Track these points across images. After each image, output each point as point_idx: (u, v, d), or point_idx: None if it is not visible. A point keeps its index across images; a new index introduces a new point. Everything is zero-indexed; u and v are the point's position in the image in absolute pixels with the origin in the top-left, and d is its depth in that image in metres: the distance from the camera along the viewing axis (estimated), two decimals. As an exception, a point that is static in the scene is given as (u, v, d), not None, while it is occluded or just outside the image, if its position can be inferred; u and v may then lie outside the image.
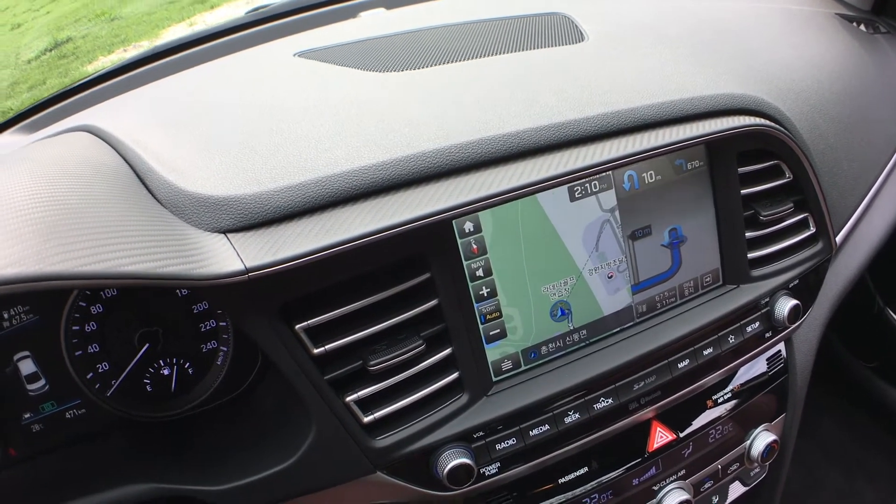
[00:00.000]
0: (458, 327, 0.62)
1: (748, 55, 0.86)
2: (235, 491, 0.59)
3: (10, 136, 0.97)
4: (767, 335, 0.77)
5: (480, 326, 0.64)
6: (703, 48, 0.85)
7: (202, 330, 0.68)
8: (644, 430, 0.74)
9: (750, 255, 0.75)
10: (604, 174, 0.65)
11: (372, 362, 0.57)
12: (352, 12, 1.12)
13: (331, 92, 0.71)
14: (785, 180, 0.76)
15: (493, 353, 0.65)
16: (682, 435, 0.76)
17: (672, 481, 0.77)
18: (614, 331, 0.70)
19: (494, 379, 0.66)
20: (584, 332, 0.69)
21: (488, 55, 0.79)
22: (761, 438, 0.82)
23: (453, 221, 0.60)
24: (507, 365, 0.66)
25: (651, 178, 0.68)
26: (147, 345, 0.66)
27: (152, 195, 0.56)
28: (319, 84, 0.74)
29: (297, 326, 0.55)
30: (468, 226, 0.61)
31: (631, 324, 0.71)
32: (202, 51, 1.07)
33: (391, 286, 0.59)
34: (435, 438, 0.62)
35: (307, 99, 0.69)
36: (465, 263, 0.61)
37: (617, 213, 0.67)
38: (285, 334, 0.55)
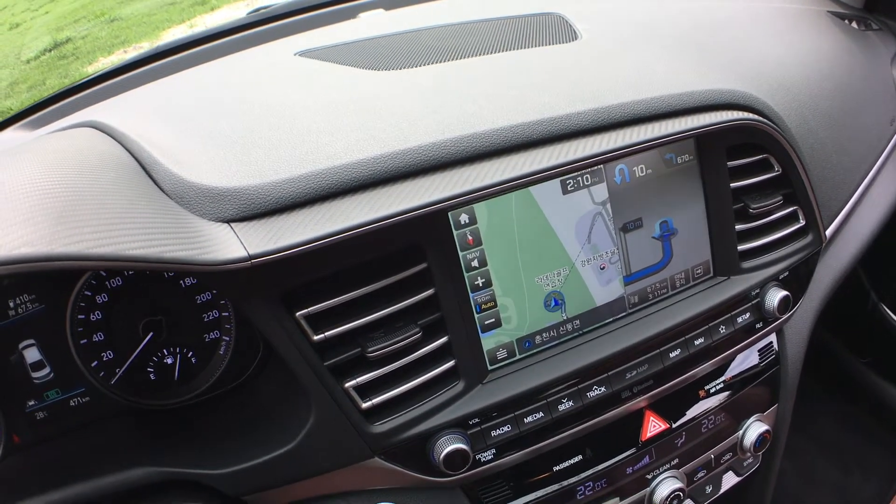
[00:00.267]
0: (454, 316, 0.64)
1: (739, 52, 0.89)
2: (237, 474, 0.61)
3: (13, 133, 1.00)
4: (758, 326, 0.80)
5: (476, 316, 0.66)
6: (695, 46, 0.88)
7: (205, 320, 0.70)
8: (637, 419, 0.76)
9: (740, 248, 0.77)
10: (595, 168, 0.68)
11: (370, 349, 0.60)
12: (351, 13, 1.15)
13: (330, 89, 0.74)
14: (774, 174, 0.78)
15: (488, 341, 0.67)
16: (674, 424, 0.78)
17: (665, 470, 0.79)
18: (607, 321, 0.72)
19: (490, 367, 0.68)
20: (578, 321, 0.71)
21: (483, 54, 0.82)
22: (754, 428, 0.84)
23: (449, 213, 0.62)
24: (501, 354, 0.68)
25: (642, 172, 0.71)
26: (151, 334, 0.68)
27: (158, 186, 0.59)
28: (319, 82, 0.77)
29: (298, 314, 0.58)
30: (463, 217, 0.63)
31: (623, 314, 0.73)
32: (204, 51, 1.10)
33: (389, 276, 0.61)
34: (431, 424, 0.64)
35: (308, 96, 0.72)
36: (460, 254, 0.64)
37: (608, 205, 0.70)
38: (286, 321, 0.57)
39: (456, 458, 0.63)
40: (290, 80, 0.78)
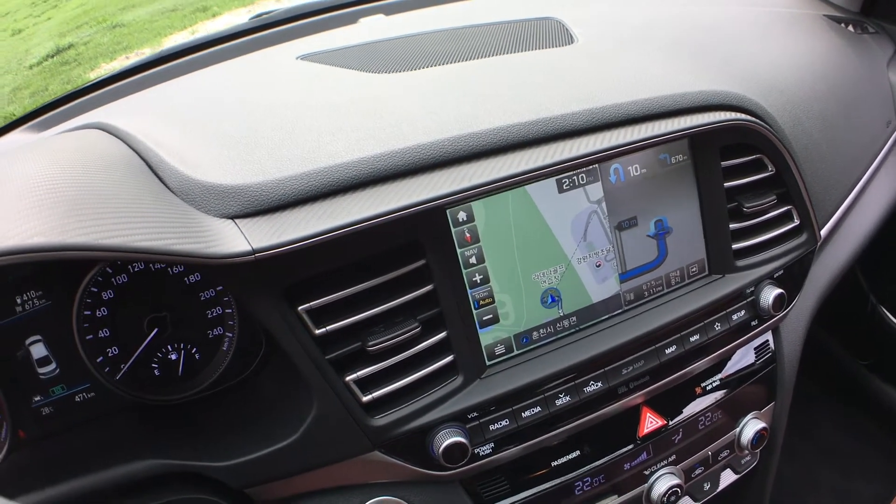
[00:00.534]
0: (452, 312, 0.66)
1: (733, 55, 0.91)
2: (240, 466, 0.63)
3: (19, 135, 1.03)
4: (753, 324, 0.82)
5: (474, 312, 0.68)
6: (690, 49, 0.90)
7: (209, 316, 0.73)
8: (634, 415, 0.78)
9: (735, 246, 0.79)
10: (590, 167, 0.70)
11: (370, 342, 0.62)
12: (352, 18, 1.17)
13: (332, 91, 0.76)
14: (767, 174, 0.80)
15: (486, 337, 0.69)
16: (671, 421, 0.80)
17: (663, 466, 0.81)
18: (603, 318, 0.74)
19: (488, 363, 0.70)
20: (574, 318, 0.73)
21: (481, 57, 0.84)
22: (751, 426, 0.86)
23: (447, 211, 0.64)
24: (499, 349, 0.70)
25: (636, 172, 0.73)
26: (156, 330, 0.70)
27: (164, 184, 0.61)
28: (321, 84, 0.79)
29: (300, 308, 0.60)
30: (462, 215, 0.65)
31: (619, 311, 0.75)
32: (207, 55, 1.12)
33: (389, 272, 0.63)
34: (431, 418, 0.66)
35: (309, 98, 0.74)
36: (458, 251, 0.66)
37: (604, 204, 0.72)
38: (289, 315, 0.60)
39: (455, 452, 0.65)
40: (293, 83, 0.81)
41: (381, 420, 0.64)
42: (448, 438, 0.65)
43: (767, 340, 0.87)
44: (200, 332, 0.73)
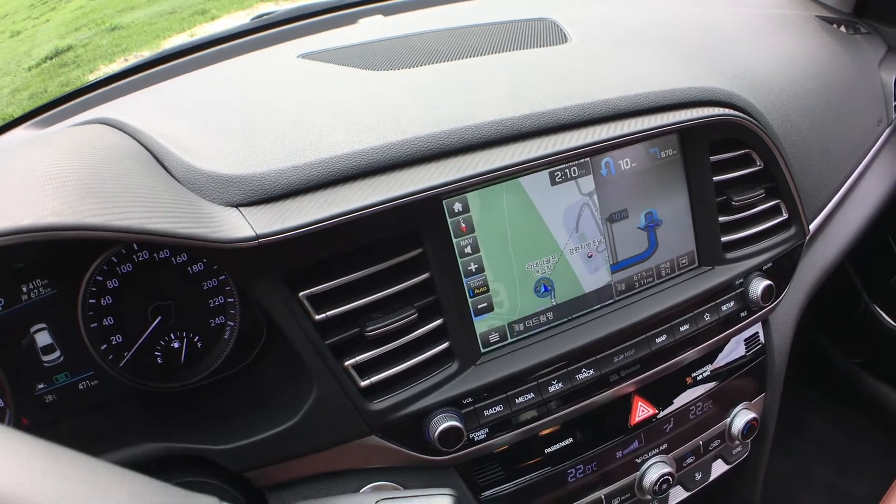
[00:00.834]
0: (448, 300, 0.69)
1: (724, 54, 0.95)
2: (240, 450, 0.65)
3: (23, 132, 1.05)
4: (743, 315, 0.84)
5: (469, 300, 0.71)
6: (681, 49, 0.93)
7: (211, 305, 0.75)
8: (626, 404, 0.81)
9: (724, 239, 0.82)
10: (582, 161, 0.73)
11: (369, 328, 0.65)
12: (352, 19, 1.21)
13: (332, 88, 0.80)
14: (756, 168, 0.83)
15: (481, 325, 0.72)
16: (663, 410, 0.83)
17: (654, 455, 0.84)
18: (595, 307, 0.77)
19: (483, 350, 0.73)
20: (567, 307, 0.76)
21: (477, 55, 0.87)
22: (741, 416, 0.88)
23: (443, 202, 0.67)
24: (494, 337, 0.73)
25: (627, 166, 0.76)
26: (159, 318, 0.73)
27: (169, 174, 0.64)
28: (322, 81, 0.83)
29: (301, 294, 0.63)
30: (457, 206, 0.68)
31: (610, 301, 0.78)
32: (208, 54, 1.16)
33: (387, 260, 0.66)
34: (427, 403, 0.69)
35: (310, 93, 0.78)
36: (454, 241, 0.69)
37: (595, 196, 0.75)
38: (290, 301, 0.62)
39: (450, 436, 0.68)
40: (294, 80, 0.84)
41: (378, 404, 0.67)
42: (444, 423, 0.68)
43: (757, 332, 0.90)
44: (203, 320, 0.75)
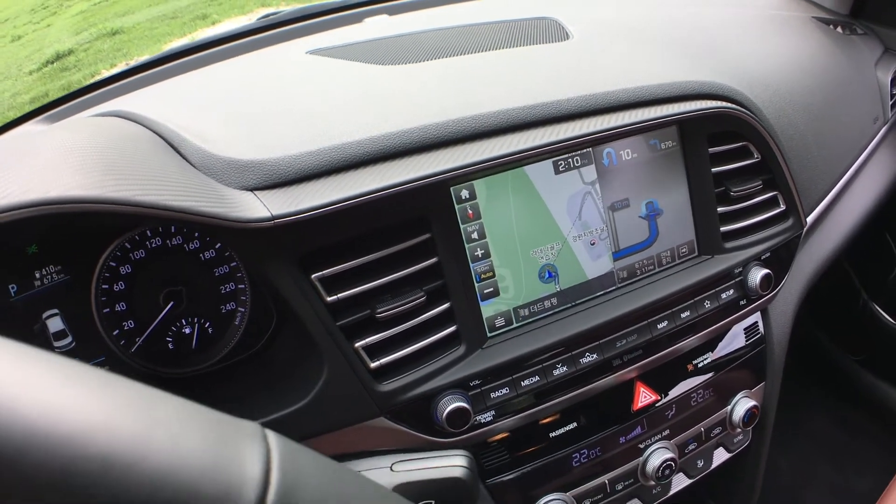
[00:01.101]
0: (455, 284, 0.72)
1: (722, 52, 0.99)
2: None
3: (33, 126, 1.08)
4: (742, 303, 0.87)
5: (476, 285, 0.74)
6: (680, 47, 0.97)
7: (222, 292, 0.78)
8: (628, 389, 0.84)
9: (722, 229, 0.85)
10: (584, 150, 0.76)
11: (379, 310, 0.67)
12: (357, 18, 1.25)
13: (341, 80, 0.83)
14: (753, 160, 0.87)
15: (487, 309, 0.75)
16: (665, 397, 0.86)
17: (657, 441, 0.86)
18: (598, 293, 0.80)
19: (489, 334, 0.75)
20: (570, 293, 0.79)
21: (482, 51, 0.91)
22: (742, 404, 0.91)
23: (451, 188, 0.70)
24: (500, 321, 0.76)
25: (628, 156, 0.79)
26: (171, 303, 0.76)
27: (186, 160, 0.67)
28: (331, 74, 0.86)
29: (314, 276, 0.66)
30: (464, 193, 0.71)
31: (613, 288, 0.81)
32: (214, 53, 1.19)
33: (396, 244, 0.69)
34: (435, 385, 0.71)
35: (320, 85, 0.81)
36: (461, 227, 0.72)
37: (597, 185, 0.78)
38: (303, 283, 0.65)
39: (458, 416, 0.70)
40: (303, 74, 0.88)
41: (388, 385, 0.70)
42: (451, 404, 0.70)
43: (756, 322, 0.93)
44: (214, 307, 0.78)
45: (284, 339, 0.79)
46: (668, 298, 0.81)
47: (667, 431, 0.87)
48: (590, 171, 0.77)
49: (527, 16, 1.09)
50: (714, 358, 0.90)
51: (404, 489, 0.70)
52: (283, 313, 0.78)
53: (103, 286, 0.75)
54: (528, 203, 0.75)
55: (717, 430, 0.91)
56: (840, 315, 1.45)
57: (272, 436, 0.27)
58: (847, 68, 1.17)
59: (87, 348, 0.74)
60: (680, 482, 0.92)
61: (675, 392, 0.87)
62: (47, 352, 0.25)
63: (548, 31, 1.00)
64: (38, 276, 0.72)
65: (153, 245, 0.75)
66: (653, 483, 0.86)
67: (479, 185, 0.72)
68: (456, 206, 0.71)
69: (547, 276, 0.77)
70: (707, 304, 0.84)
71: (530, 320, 0.77)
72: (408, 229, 0.70)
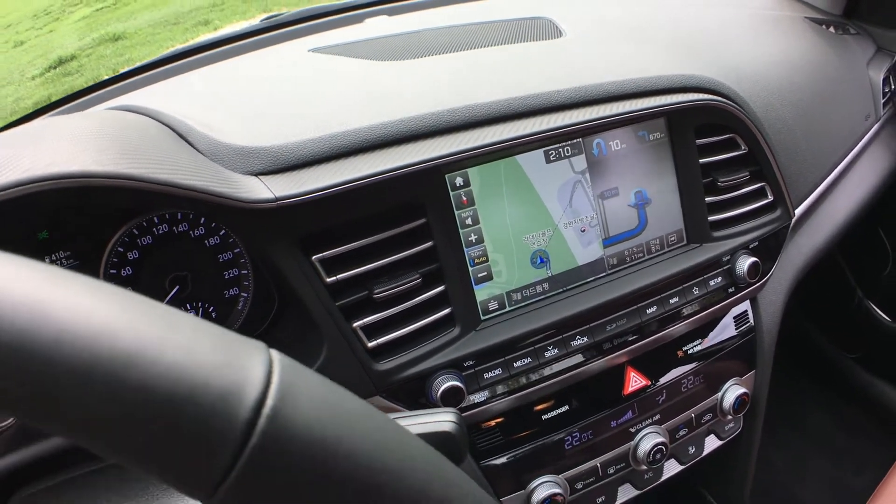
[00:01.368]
0: (450, 268, 0.76)
1: (713, 49, 1.03)
2: None
3: (39, 122, 1.13)
4: (731, 290, 0.91)
5: (470, 269, 0.78)
6: (671, 43, 1.02)
7: (226, 277, 0.82)
8: (619, 373, 0.87)
9: (710, 218, 0.89)
10: (575, 140, 0.81)
11: (376, 291, 0.72)
12: (358, 19, 1.30)
13: (342, 75, 0.88)
14: (740, 152, 0.91)
15: (481, 293, 0.79)
16: (655, 382, 0.89)
17: (648, 425, 0.90)
18: (588, 279, 0.84)
19: (482, 317, 0.80)
20: (561, 278, 0.83)
21: (478, 48, 0.96)
22: (732, 391, 0.95)
23: (446, 175, 0.75)
24: (493, 305, 0.80)
25: (617, 147, 0.84)
26: (177, 287, 0.80)
27: (194, 148, 0.72)
28: (332, 70, 0.91)
29: (314, 257, 0.70)
30: (458, 180, 0.76)
31: (603, 274, 0.85)
32: (218, 52, 1.24)
33: (394, 228, 0.73)
34: (430, 364, 0.75)
35: (322, 80, 0.86)
36: (456, 212, 0.76)
37: (587, 174, 0.82)
38: (304, 264, 0.70)
39: (452, 395, 0.74)
40: (306, 70, 0.93)
41: (384, 365, 0.74)
42: (446, 383, 0.74)
43: (746, 311, 0.97)
44: (218, 291, 0.82)
45: (285, 323, 0.84)
46: (657, 284, 0.85)
47: (657, 416, 0.90)
48: (580, 161, 0.82)
49: (522, 16, 1.14)
50: (705, 346, 0.93)
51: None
52: (284, 298, 0.82)
53: (111, 271, 0.79)
54: (520, 190, 0.79)
55: (707, 417, 0.95)
56: (836, 312, 1.49)
57: (276, 351, 0.31)
58: (838, 67, 1.22)
59: None
60: (672, 468, 0.96)
61: (665, 378, 0.90)
62: (74, 272, 0.29)
63: (541, 29, 1.05)
64: (48, 261, 0.77)
65: (160, 231, 0.80)
66: (644, 467, 0.90)
67: (472, 172, 0.76)
68: (451, 193, 0.76)
69: (539, 261, 0.81)
70: (695, 291, 0.88)
71: (523, 304, 0.81)
72: (405, 215, 0.74)
